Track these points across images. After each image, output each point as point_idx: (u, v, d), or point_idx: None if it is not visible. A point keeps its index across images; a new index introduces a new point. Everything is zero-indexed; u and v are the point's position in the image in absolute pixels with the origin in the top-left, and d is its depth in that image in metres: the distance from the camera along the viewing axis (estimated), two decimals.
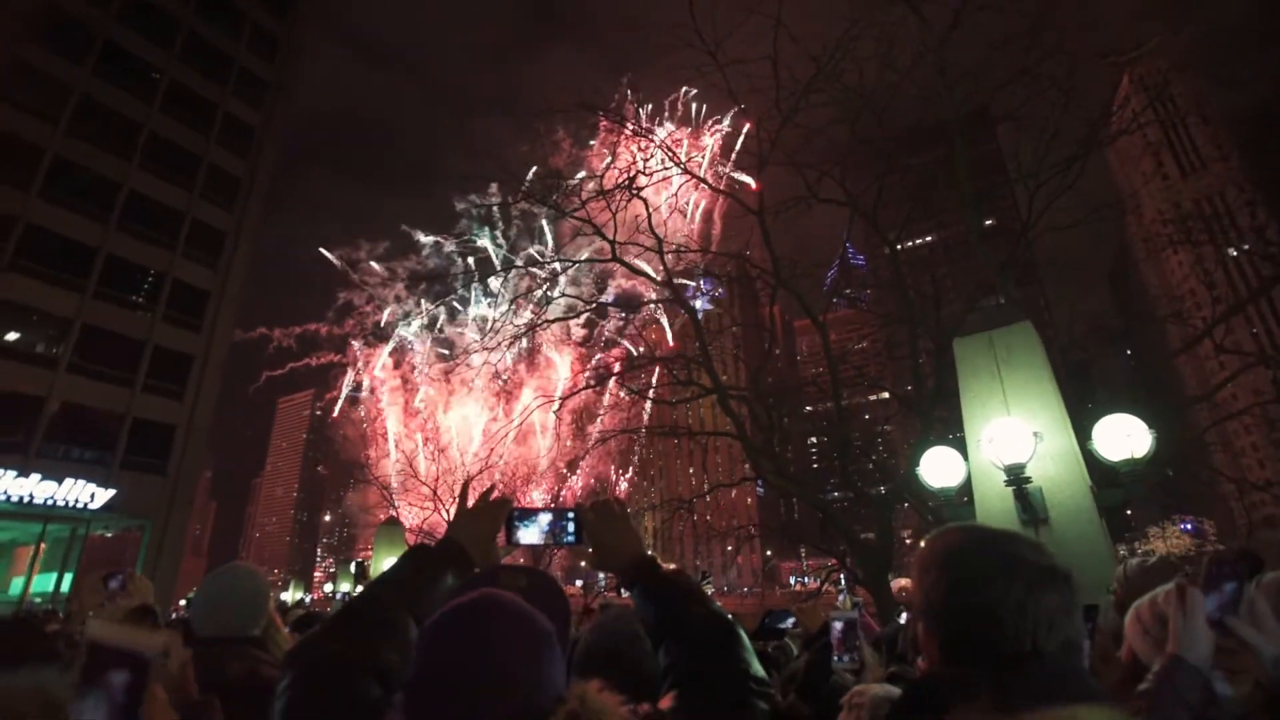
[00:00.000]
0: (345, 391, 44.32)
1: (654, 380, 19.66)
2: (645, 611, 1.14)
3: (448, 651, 0.85)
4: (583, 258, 19.93)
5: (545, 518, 1.33)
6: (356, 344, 44.22)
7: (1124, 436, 4.14)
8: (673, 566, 1.27)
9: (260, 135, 31.73)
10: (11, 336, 22.82)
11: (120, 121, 26.41)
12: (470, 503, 1.29)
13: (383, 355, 43.37)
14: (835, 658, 2.80)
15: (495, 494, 1.30)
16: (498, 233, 38.01)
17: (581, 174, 17.03)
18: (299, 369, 47.48)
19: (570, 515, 1.34)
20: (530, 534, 1.32)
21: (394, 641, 0.98)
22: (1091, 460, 4.73)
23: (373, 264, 43.78)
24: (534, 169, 19.97)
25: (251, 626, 1.95)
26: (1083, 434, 4.78)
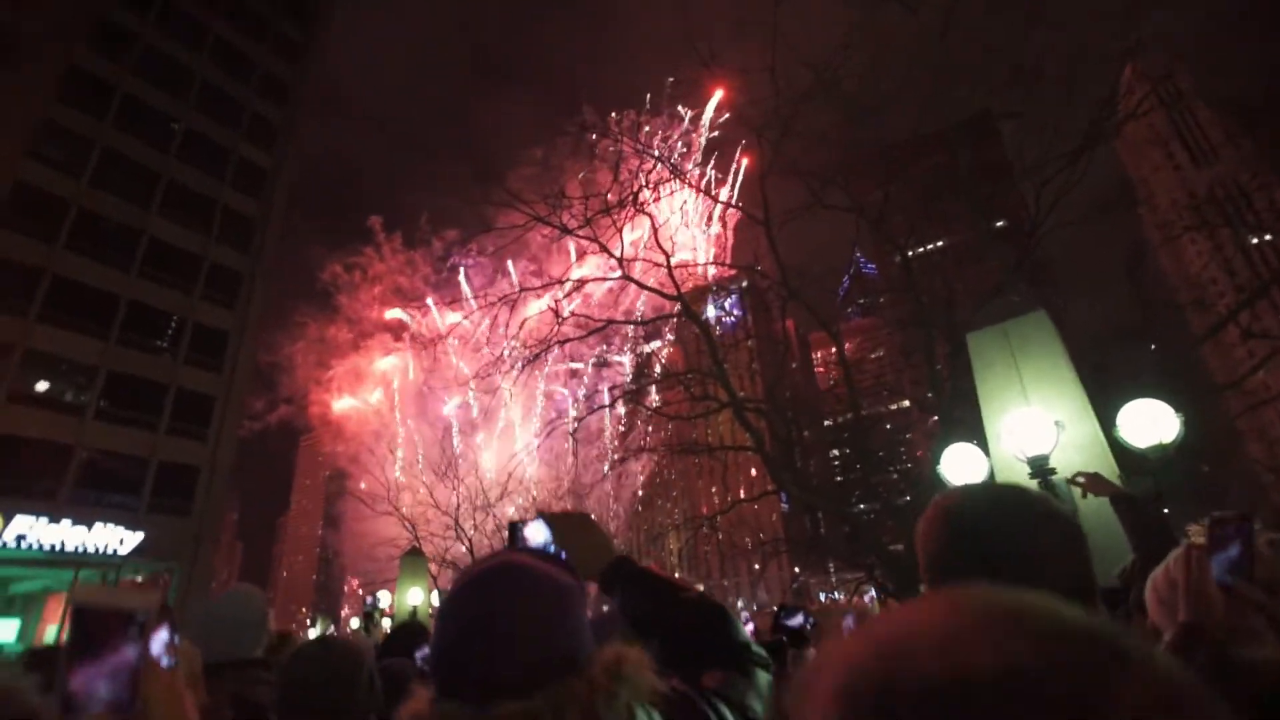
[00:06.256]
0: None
1: (655, 394, 19.45)
2: (634, 608, 1.16)
3: (471, 607, 0.83)
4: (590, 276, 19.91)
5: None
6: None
7: (1150, 421, 3.99)
8: (699, 587, 1.26)
9: (272, 177, 32.54)
10: (41, 386, 23.34)
11: (140, 171, 27.21)
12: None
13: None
14: None
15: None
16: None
17: (588, 195, 17.05)
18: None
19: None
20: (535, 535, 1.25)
21: None
22: (1120, 451, 4.57)
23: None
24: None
25: (252, 648, 1.92)
26: (1107, 425, 4.63)
